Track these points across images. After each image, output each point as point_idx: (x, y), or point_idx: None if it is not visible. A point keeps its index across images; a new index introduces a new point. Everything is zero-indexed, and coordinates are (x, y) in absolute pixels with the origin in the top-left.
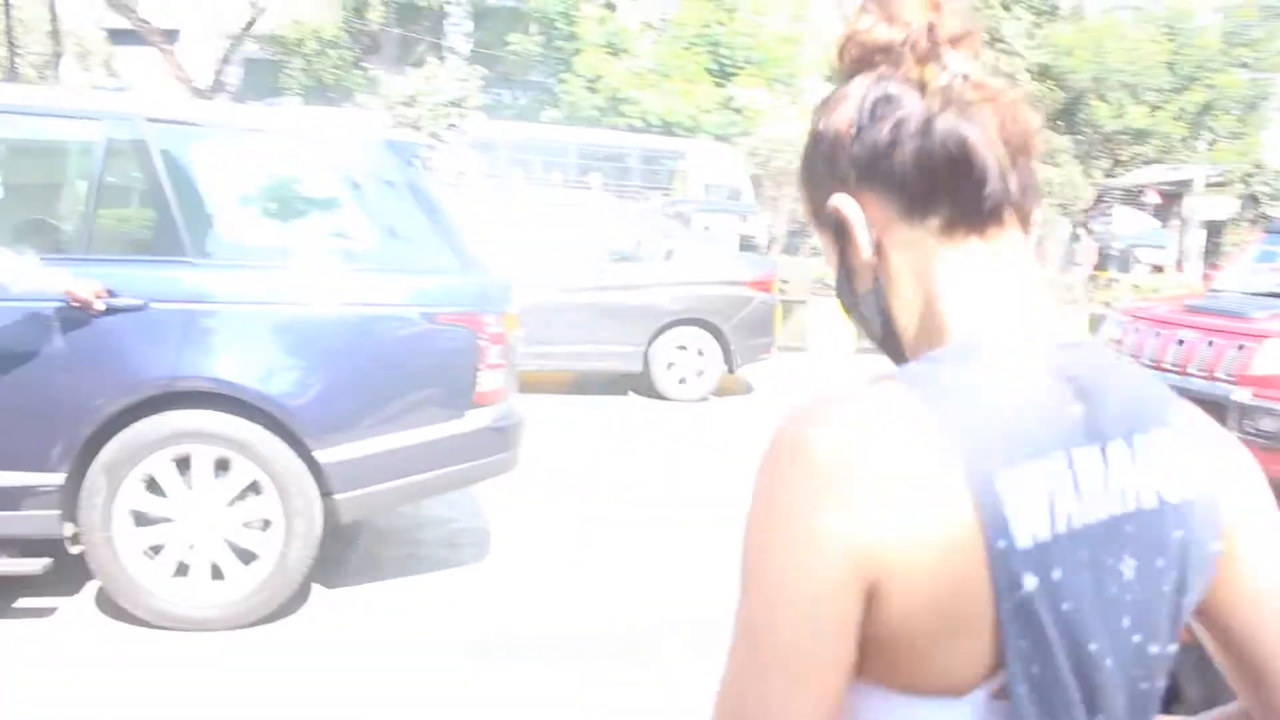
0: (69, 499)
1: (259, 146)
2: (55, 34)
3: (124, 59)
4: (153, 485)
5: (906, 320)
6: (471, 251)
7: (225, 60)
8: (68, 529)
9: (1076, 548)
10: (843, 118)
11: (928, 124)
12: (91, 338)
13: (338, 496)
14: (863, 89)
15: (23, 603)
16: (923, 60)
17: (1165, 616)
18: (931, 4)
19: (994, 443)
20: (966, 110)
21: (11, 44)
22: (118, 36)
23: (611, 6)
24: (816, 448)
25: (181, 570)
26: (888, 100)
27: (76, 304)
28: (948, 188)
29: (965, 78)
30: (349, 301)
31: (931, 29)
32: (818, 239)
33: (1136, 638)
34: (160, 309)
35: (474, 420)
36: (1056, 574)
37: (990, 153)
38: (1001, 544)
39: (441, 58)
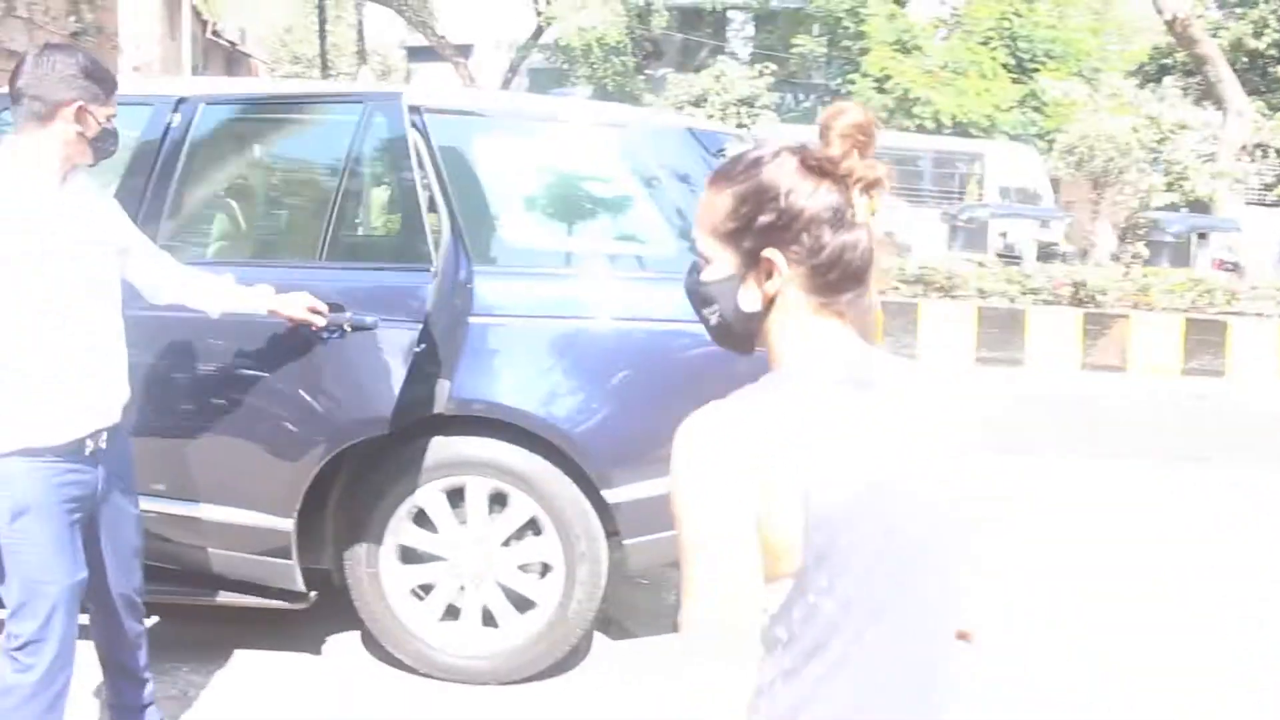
0: (338, 532)
1: (544, 138)
2: (361, 54)
3: (421, 74)
4: (422, 519)
5: (773, 339)
6: None
7: (512, 70)
8: (321, 563)
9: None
10: (811, 205)
11: (862, 248)
12: (352, 356)
13: (628, 541)
14: (824, 193)
15: (289, 635)
16: (865, 191)
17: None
18: (866, 149)
19: (809, 429)
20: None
21: (325, 65)
22: (416, 54)
23: (901, 2)
24: (712, 432)
25: (451, 614)
26: (839, 214)
27: (293, 323)
28: (845, 288)
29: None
30: (643, 316)
31: (873, 169)
32: (709, 248)
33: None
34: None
35: None
36: (846, 499)
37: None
38: (813, 489)
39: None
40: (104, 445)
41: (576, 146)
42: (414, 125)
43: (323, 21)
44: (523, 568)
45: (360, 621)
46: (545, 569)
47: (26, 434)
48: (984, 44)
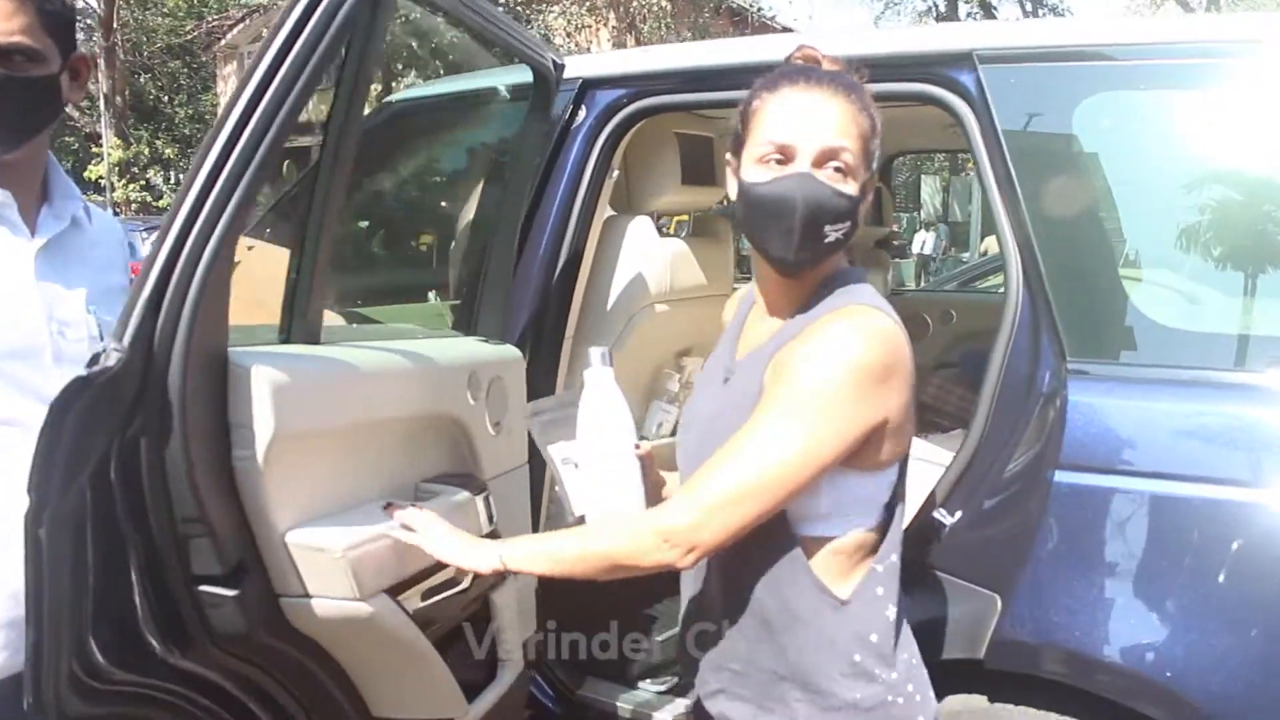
0: None
1: (1238, 85)
2: None
3: None
4: None
5: (845, 258)
6: None
7: None
8: None
9: None
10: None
11: None
12: None
13: None
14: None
15: None
16: None
17: None
18: None
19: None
20: None
21: None
22: None
23: None
24: (888, 339)
25: None
26: None
27: None
28: None
29: None
30: None
31: None
32: (855, 166)
33: None
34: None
35: None
36: None
37: None
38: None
39: None
40: None
41: None
42: (962, 88)
43: None
44: None
45: None
46: None
47: None
48: None
